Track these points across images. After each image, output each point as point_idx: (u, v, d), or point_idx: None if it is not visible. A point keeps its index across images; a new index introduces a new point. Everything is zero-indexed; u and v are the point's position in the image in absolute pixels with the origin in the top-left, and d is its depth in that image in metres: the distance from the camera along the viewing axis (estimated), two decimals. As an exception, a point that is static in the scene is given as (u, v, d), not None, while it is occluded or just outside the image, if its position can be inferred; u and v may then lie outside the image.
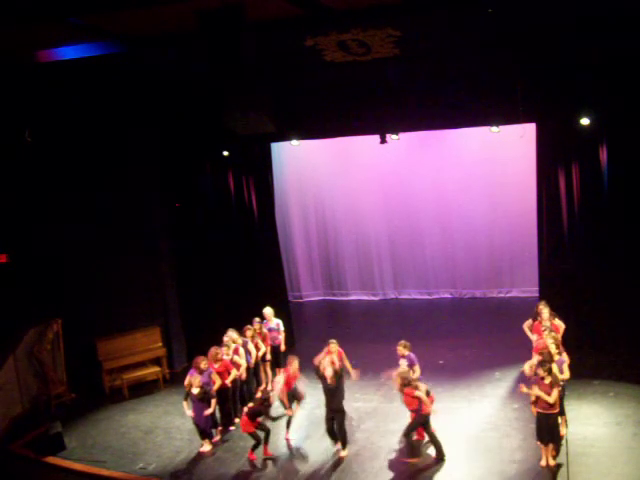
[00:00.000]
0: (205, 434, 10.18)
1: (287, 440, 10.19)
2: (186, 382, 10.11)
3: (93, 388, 12.61)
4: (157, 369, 12.93)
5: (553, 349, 9.30)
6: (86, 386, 12.57)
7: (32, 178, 12.02)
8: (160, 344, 13.17)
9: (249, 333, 11.50)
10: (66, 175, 12.39)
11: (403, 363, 10.03)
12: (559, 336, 9.82)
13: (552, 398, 8.50)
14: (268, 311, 12.31)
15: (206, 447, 10.15)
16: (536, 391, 8.62)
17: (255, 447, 9.72)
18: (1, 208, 11.67)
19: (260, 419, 9.75)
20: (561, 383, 9.20)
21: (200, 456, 10.03)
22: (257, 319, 12.00)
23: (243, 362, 11.02)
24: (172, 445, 10.46)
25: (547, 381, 8.53)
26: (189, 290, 14.09)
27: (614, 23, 9.14)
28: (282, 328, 12.29)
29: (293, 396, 10.22)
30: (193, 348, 13.29)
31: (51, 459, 10.19)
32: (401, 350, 10.13)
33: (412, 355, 10.11)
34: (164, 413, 11.70)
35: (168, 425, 11.19)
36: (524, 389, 8.90)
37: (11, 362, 11.47)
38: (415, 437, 9.48)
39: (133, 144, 13.04)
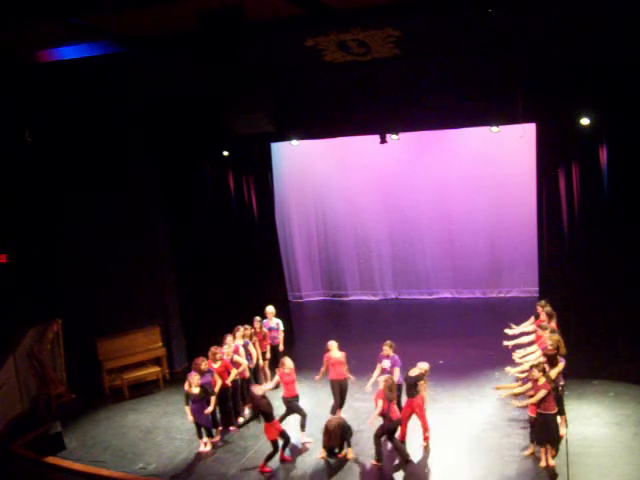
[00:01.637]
0: (207, 432, 10.19)
1: (304, 444, 10.03)
2: (186, 384, 10.12)
3: (93, 388, 12.60)
4: (157, 369, 12.92)
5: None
6: (86, 386, 12.55)
7: (32, 178, 12.02)
8: (160, 344, 13.17)
9: (247, 332, 11.50)
10: (66, 175, 12.39)
11: (386, 363, 10.05)
12: (559, 338, 9.78)
13: (535, 399, 8.51)
14: (270, 309, 12.32)
15: (206, 447, 10.14)
16: (513, 391, 8.77)
17: (270, 458, 9.41)
18: (1, 208, 11.67)
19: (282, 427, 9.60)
20: (561, 383, 9.21)
21: (200, 456, 10.01)
22: (257, 318, 12.00)
23: (244, 361, 11.03)
24: (172, 445, 10.45)
25: (540, 382, 8.53)
26: (189, 290, 14.09)
27: (614, 23, 9.16)
28: (281, 327, 12.31)
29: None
30: (193, 348, 13.30)
31: (51, 459, 10.18)
32: (387, 350, 10.10)
33: (396, 357, 10.07)
34: (164, 413, 11.69)
35: (168, 425, 11.19)
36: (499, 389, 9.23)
37: (11, 362, 11.48)
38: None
39: (133, 144, 13.03)
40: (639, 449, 8.93)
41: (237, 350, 11.03)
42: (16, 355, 11.58)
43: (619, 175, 11.04)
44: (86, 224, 12.65)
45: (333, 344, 10.54)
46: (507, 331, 10.99)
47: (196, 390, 9.92)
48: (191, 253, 14.07)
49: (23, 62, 10.05)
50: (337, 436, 9.33)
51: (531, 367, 8.76)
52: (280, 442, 9.50)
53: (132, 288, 13.17)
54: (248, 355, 11.30)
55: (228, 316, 13.33)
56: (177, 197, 13.98)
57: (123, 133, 12.77)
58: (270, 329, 12.16)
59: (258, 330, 11.83)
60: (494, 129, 11.85)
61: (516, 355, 10.18)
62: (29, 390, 11.77)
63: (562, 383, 9.28)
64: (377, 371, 10.23)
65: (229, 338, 11.11)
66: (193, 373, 10.09)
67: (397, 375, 9.88)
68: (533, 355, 9.76)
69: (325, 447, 9.51)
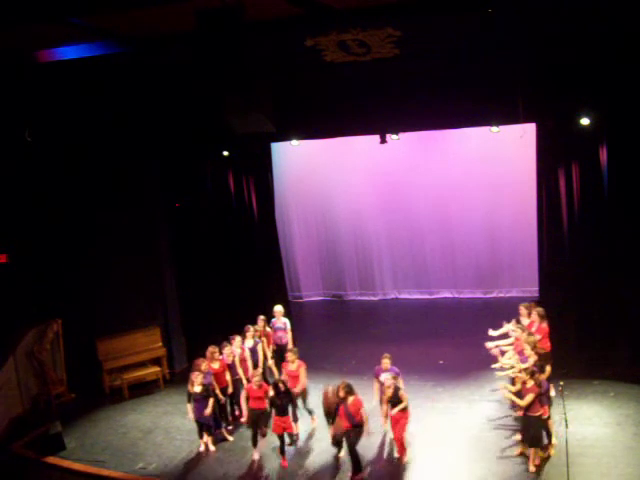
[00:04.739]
0: (207, 430, 10.17)
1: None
2: (189, 384, 10.11)
3: (93, 388, 12.60)
4: (157, 369, 12.93)
5: (528, 351, 9.35)
6: (86, 386, 12.56)
7: (32, 178, 12.02)
8: (160, 344, 13.17)
9: (249, 334, 11.40)
10: (66, 175, 12.39)
11: (384, 377, 9.73)
12: (536, 339, 9.77)
13: (524, 402, 8.52)
14: (279, 309, 12.15)
15: (207, 445, 10.15)
16: (508, 393, 8.82)
17: (282, 450, 9.64)
18: (1, 208, 11.67)
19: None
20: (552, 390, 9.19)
21: (200, 456, 10.04)
22: (262, 317, 11.88)
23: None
24: (172, 445, 10.47)
25: (528, 385, 8.53)
26: (189, 290, 14.09)
27: (613, 23, 9.15)
28: (289, 327, 12.11)
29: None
30: (193, 348, 13.28)
31: (51, 459, 10.19)
32: (386, 363, 9.91)
33: (395, 368, 9.99)
34: (164, 413, 11.70)
35: (168, 425, 11.20)
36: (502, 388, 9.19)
37: (11, 362, 11.47)
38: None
39: (133, 144, 13.03)
40: (639, 449, 8.94)
41: (242, 355, 10.96)
42: (16, 355, 11.57)
43: (619, 175, 11.03)
44: (86, 224, 12.64)
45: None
46: (491, 332, 10.86)
47: (198, 389, 9.92)
48: (191, 253, 14.07)
49: (23, 62, 10.05)
50: (335, 401, 9.27)
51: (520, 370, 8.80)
52: (287, 439, 9.60)
53: (132, 288, 13.16)
54: (256, 355, 11.20)
55: (228, 316, 13.32)
56: (177, 197, 13.97)
57: (123, 133, 12.76)
58: (277, 329, 11.98)
59: (261, 329, 11.76)
60: (494, 129, 11.85)
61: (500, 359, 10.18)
62: (29, 390, 11.75)
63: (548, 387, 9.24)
64: (376, 385, 10.10)
65: (238, 338, 11.01)
66: (196, 372, 10.10)
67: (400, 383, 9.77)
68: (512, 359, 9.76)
69: (326, 414, 9.48)
